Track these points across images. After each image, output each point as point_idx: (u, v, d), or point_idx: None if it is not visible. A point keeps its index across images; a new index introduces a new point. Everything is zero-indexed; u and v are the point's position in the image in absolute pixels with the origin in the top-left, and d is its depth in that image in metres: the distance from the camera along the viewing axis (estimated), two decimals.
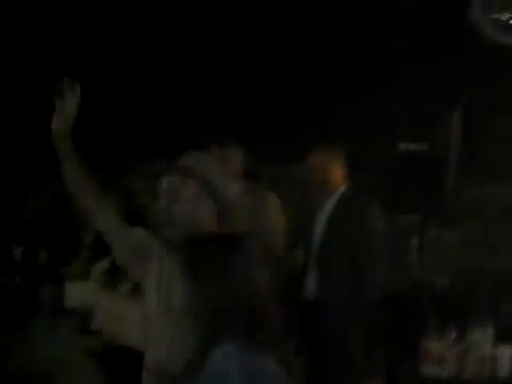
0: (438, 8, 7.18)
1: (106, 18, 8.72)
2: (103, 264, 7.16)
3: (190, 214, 3.14)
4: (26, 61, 8.95)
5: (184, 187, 3.15)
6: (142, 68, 8.91)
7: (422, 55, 7.49)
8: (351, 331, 5.29)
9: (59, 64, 8.19)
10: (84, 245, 7.82)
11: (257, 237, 2.80)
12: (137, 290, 4.28)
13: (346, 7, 7.72)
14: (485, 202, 7.18)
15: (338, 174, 5.48)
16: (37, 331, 6.69)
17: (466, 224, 7.11)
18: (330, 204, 5.48)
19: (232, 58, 8.53)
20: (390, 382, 5.94)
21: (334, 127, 7.36)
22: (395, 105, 7.43)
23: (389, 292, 5.77)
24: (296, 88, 8.21)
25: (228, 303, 2.51)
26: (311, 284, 5.42)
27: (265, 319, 2.54)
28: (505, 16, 6.79)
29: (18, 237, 8.41)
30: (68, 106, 3.38)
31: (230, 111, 8.36)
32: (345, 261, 5.28)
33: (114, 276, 6.86)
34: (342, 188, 5.51)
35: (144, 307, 3.12)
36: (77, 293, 7.14)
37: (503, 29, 6.75)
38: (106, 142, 9.12)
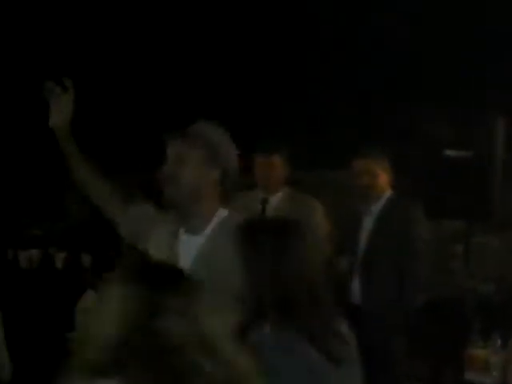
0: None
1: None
2: None
3: (194, 176, 3.20)
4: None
5: (191, 150, 3.20)
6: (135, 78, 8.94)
7: (469, 61, 7.47)
8: (394, 336, 5.29)
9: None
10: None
11: None
12: None
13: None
14: None
15: (383, 179, 5.48)
16: None
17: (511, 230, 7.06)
18: (375, 209, 5.49)
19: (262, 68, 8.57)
20: None
21: (380, 132, 7.36)
22: (442, 110, 7.41)
23: (434, 298, 5.77)
24: (340, 94, 8.22)
25: (277, 290, 2.54)
26: (356, 288, 5.44)
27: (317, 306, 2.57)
28: None
29: (60, 243, 8.45)
30: (62, 103, 3.45)
31: (271, 116, 8.39)
32: (390, 266, 5.28)
33: None
34: (388, 193, 5.51)
35: None
36: None
37: None
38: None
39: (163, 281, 2.00)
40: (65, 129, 3.46)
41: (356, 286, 5.45)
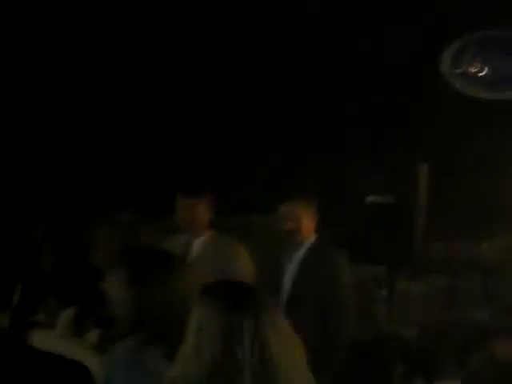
0: (409, 60, 7.32)
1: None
2: (70, 312, 7.00)
3: None
4: None
5: None
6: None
7: (389, 107, 7.60)
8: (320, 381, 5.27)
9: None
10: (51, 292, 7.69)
11: None
12: (104, 339, 4.25)
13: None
14: (452, 255, 7.24)
15: (308, 224, 5.49)
16: None
17: (434, 276, 7.15)
18: (299, 255, 5.48)
19: (201, 108, 8.56)
20: None
21: (305, 178, 7.40)
22: (363, 157, 7.50)
23: (356, 343, 5.77)
24: (269, 139, 8.26)
25: None
26: None
27: None
28: (472, 70, 6.94)
29: None
30: None
31: (200, 160, 8.38)
32: (313, 312, 5.27)
33: (81, 325, 6.73)
34: (312, 239, 5.52)
35: None
36: (43, 341, 6.98)
37: (471, 81, 6.89)
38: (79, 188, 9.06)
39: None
40: None
41: None
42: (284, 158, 8.09)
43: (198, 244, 5.46)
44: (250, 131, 8.31)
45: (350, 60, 7.64)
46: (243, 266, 5.29)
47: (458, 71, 6.89)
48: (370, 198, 7.04)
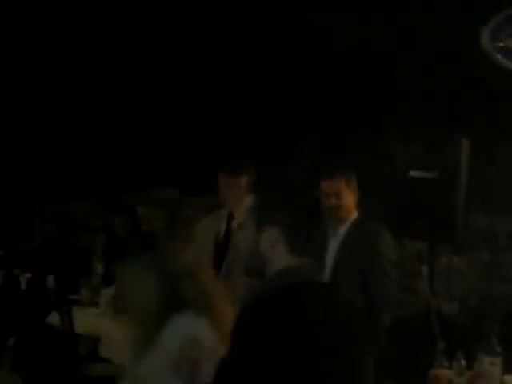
0: (448, 33, 7.26)
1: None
2: (111, 290, 7.10)
3: None
4: None
5: None
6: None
7: (431, 80, 7.55)
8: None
9: None
10: (94, 272, 7.80)
11: None
12: None
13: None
14: (494, 230, 7.20)
15: (350, 200, 5.50)
16: None
17: (476, 251, 7.13)
18: (342, 231, 5.51)
19: (240, 87, 8.59)
20: None
21: (345, 153, 7.40)
22: (404, 130, 7.48)
23: (399, 318, 5.79)
24: (308, 114, 8.27)
25: None
26: None
27: None
28: None
29: (25, 264, 8.37)
30: None
31: (240, 137, 8.42)
32: (356, 287, 5.30)
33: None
34: (354, 215, 5.54)
35: None
36: (85, 319, 7.09)
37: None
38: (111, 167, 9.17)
39: None
40: None
41: None
42: (324, 133, 8.09)
43: (239, 218, 5.52)
44: (288, 107, 8.32)
45: (388, 34, 7.60)
46: None
47: (500, 45, 6.83)
48: (412, 173, 7.02)
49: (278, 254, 2.98)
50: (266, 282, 2.99)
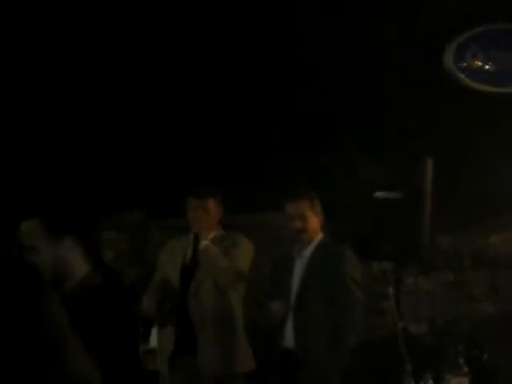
0: (412, 54, 7.31)
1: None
2: None
3: None
4: None
5: None
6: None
7: (395, 103, 7.58)
8: (328, 379, 5.29)
9: None
10: None
11: None
12: None
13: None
14: (459, 251, 7.24)
15: (314, 222, 5.51)
16: None
17: (442, 272, 7.15)
18: (307, 253, 5.51)
19: (206, 110, 8.57)
20: None
21: (311, 176, 7.40)
22: (370, 153, 7.50)
23: (366, 339, 5.79)
24: (273, 136, 8.26)
25: None
26: (289, 333, 5.43)
27: None
28: (476, 64, 6.95)
29: None
30: None
31: (205, 160, 8.39)
32: (323, 309, 5.29)
33: None
34: (320, 236, 5.54)
35: None
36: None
37: (475, 74, 6.91)
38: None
39: None
40: None
41: (289, 331, 5.44)
42: (286, 157, 8.09)
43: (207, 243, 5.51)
44: (254, 132, 8.31)
45: (349, 57, 7.63)
46: (241, 254, 5.40)
47: (463, 65, 6.89)
48: (377, 194, 7.05)
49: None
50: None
